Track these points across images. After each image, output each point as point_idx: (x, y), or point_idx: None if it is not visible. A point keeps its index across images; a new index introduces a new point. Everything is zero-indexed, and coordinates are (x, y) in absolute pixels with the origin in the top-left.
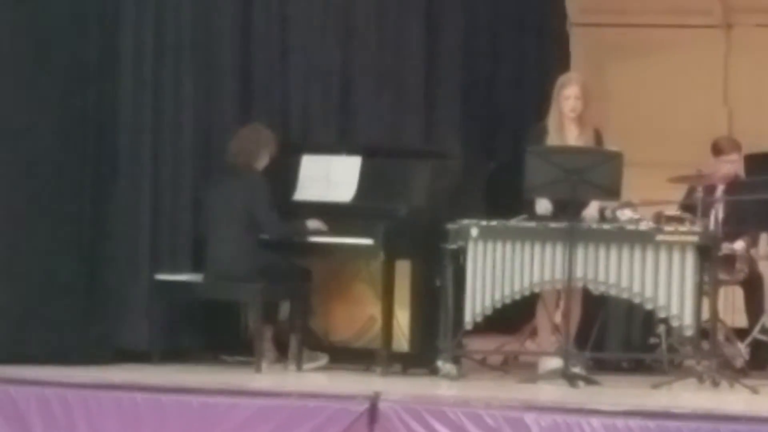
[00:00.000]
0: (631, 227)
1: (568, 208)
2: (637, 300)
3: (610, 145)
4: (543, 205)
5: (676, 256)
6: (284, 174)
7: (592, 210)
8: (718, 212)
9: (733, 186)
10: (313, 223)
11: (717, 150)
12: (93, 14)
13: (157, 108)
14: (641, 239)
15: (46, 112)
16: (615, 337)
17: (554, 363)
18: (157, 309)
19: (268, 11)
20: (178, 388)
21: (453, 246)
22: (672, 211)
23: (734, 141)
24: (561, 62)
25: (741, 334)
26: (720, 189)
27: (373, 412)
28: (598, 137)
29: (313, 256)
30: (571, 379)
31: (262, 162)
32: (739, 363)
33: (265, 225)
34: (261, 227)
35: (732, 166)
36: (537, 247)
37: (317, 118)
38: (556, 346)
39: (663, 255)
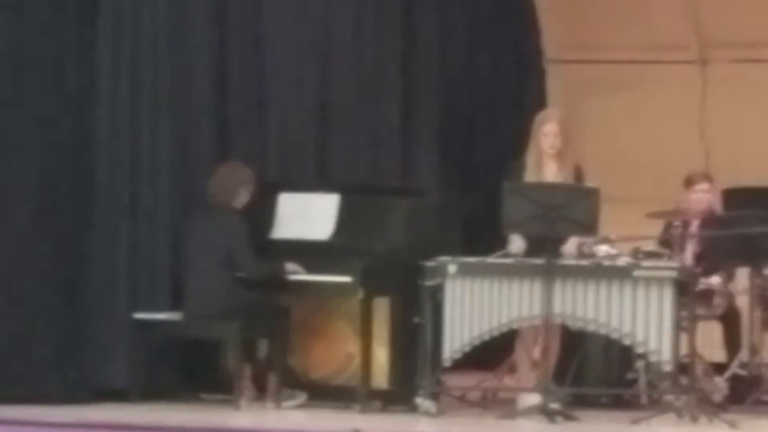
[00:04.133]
0: (608, 263)
1: (545, 245)
2: (615, 335)
3: (589, 182)
4: (516, 244)
5: (654, 291)
6: (262, 212)
7: (570, 246)
8: (694, 247)
9: (709, 221)
10: (291, 266)
11: (688, 182)
12: (70, 53)
13: (135, 146)
14: (619, 275)
15: (23, 150)
16: (593, 373)
17: (533, 399)
18: (136, 348)
19: (245, 50)
20: (158, 426)
21: (431, 283)
22: (649, 246)
23: (706, 174)
24: (537, 98)
25: (719, 368)
26: (695, 224)
27: None
28: (579, 174)
29: (292, 294)
30: (550, 415)
31: (241, 200)
32: (717, 398)
33: (242, 265)
34: (238, 267)
35: (704, 196)
36: (515, 284)
37: (294, 156)
38: (534, 382)
39: (641, 290)
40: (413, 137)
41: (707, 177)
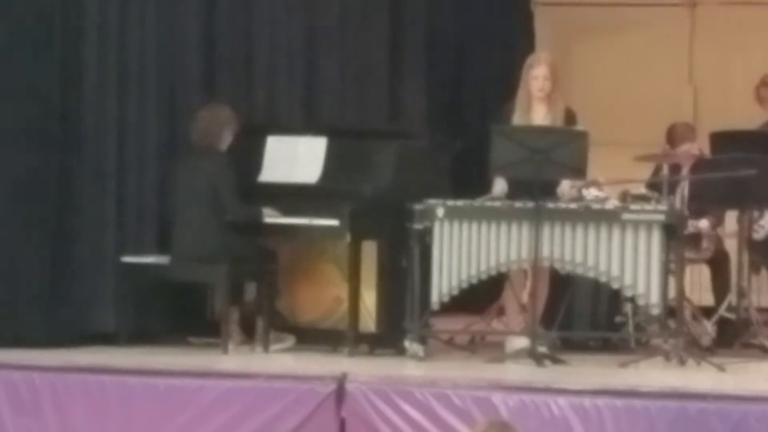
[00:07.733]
0: (597, 206)
1: (532, 188)
2: (603, 279)
3: (579, 125)
4: (499, 187)
5: (643, 234)
6: (249, 155)
7: (565, 186)
8: (684, 191)
9: (698, 164)
10: (268, 211)
11: (669, 139)
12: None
13: (121, 89)
14: (608, 218)
15: (9, 99)
16: (582, 317)
17: (521, 342)
18: (124, 291)
19: None
20: (145, 370)
21: (419, 226)
22: (638, 189)
23: (687, 128)
24: (526, 41)
25: (707, 312)
26: (685, 167)
27: (340, 393)
28: (570, 117)
29: (280, 237)
30: (538, 358)
31: (226, 141)
32: (705, 341)
33: (227, 207)
34: (224, 208)
35: (685, 155)
36: (503, 227)
37: (282, 99)
38: (523, 326)
39: (629, 234)
40: (401, 80)
41: (688, 135)
